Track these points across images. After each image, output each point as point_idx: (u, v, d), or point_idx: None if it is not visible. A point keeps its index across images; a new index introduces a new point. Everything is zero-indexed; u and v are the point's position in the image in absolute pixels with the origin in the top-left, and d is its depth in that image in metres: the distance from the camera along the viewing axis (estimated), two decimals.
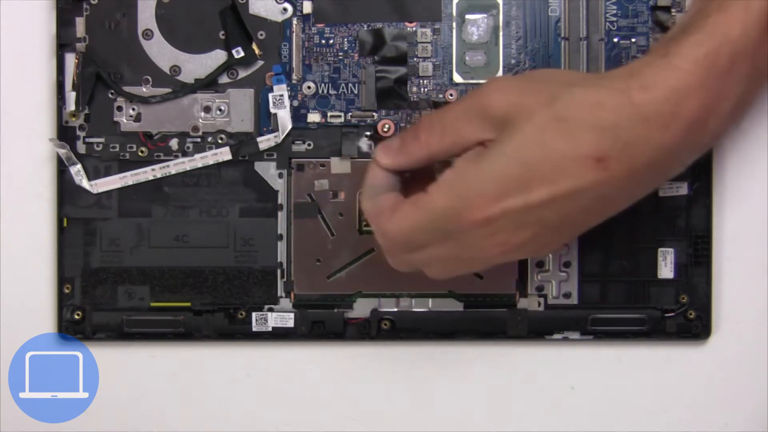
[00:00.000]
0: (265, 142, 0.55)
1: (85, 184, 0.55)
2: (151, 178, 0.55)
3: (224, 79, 0.55)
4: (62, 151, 0.54)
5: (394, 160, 0.49)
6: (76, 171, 0.55)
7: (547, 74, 0.48)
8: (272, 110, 0.55)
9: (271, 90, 0.55)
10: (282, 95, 0.55)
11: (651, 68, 0.45)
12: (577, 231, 0.48)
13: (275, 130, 0.55)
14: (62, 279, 0.55)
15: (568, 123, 0.44)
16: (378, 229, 0.49)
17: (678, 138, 0.44)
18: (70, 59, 0.54)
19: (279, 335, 0.56)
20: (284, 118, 0.55)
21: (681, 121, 0.44)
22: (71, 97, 0.54)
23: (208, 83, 0.55)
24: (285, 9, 0.55)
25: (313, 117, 0.55)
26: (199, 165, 0.55)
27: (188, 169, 0.55)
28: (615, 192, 0.45)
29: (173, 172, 0.55)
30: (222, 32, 0.55)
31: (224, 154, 0.55)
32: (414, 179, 0.49)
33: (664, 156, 0.45)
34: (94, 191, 0.55)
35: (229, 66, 0.55)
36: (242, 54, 0.54)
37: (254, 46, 0.54)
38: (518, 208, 0.45)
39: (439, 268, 0.49)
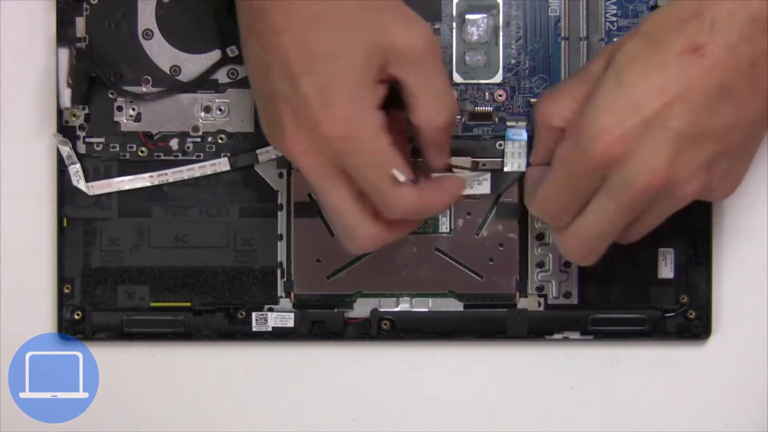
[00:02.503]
0: (264, 154, 0.55)
1: (81, 185, 0.55)
2: (148, 184, 0.55)
3: (224, 79, 0.55)
4: (64, 148, 0.54)
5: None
6: (75, 171, 0.54)
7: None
8: None
9: None
10: None
11: None
12: (731, 140, 0.46)
13: None
14: (62, 279, 0.55)
15: (653, 35, 0.45)
16: (532, 206, 0.50)
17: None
18: (64, 54, 0.53)
19: (279, 335, 0.56)
20: None
21: None
22: (66, 93, 0.53)
23: (201, 82, 0.55)
24: None
25: None
26: (197, 174, 0.55)
27: (185, 178, 0.55)
28: (732, 79, 0.45)
29: (171, 180, 0.55)
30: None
31: (223, 165, 0.55)
32: None
33: (757, 27, 0.44)
34: (90, 193, 0.55)
35: (221, 64, 0.55)
36: (237, 52, 0.54)
37: None
38: (636, 123, 0.45)
39: (622, 233, 0.48)
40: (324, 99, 0.45)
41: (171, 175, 0.55)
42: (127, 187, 0.55)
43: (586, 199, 0.47)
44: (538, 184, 0.49)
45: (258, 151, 0.55)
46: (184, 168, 0.55)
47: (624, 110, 0.45)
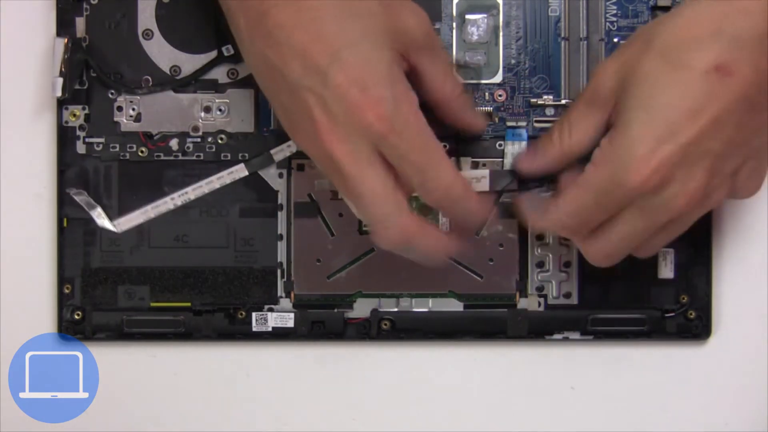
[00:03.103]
0: (279, 153, 0.55)
1: (107, 225, 0.55)
2: (171, 207, 0.55)
3: (224, 79, 0.55)
4: (81, 198, 0.54)
5: (531, 164, 0.50)
6: (97, 215, 0.54)
7: (639, 30, 0.49)
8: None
9: None
10: None
11: None
12: (753, 145, 0.47)
13: (276, 130, 0.55)
14: (62, 279, 0.55)
15: (672, 54, 0.45)
16: (547, 221, 0.49)
17: None
18: (60, 43, 0.53)
19: (279, 335, 0.56)
20: None
21: None
22: (58, 82, 0.53)
23: (194, 79, 0.54)
24: None
25: None
26: (217, 186, 0.55)
27: (206, 192, 0.55)
28: (755, 90, 0.45)
29: (192, 197, 0.55)
30: None
31: (240, 171, 0.55)
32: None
33: None
34: (119, 231, 0.55)
35: (216, 63, 0.54)
36: (232, 52, 0.54)
37: None
38: (674, 152, 0.45)
39: (644, 245, 0.49)
40: (359, 84, 0.45)
41: (192, 192, 0.55)
42: (152, 215, 0.55)
43: (610, 216, 0.48)
44: (541, 202, 0.50)
45: (272, 151, 0.55)
46: (203, 182, 0.55)
47: (658, 139, 0.45)
